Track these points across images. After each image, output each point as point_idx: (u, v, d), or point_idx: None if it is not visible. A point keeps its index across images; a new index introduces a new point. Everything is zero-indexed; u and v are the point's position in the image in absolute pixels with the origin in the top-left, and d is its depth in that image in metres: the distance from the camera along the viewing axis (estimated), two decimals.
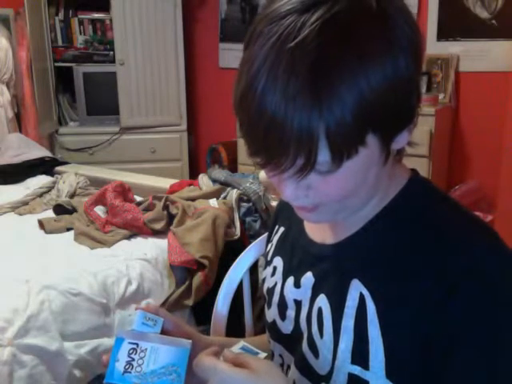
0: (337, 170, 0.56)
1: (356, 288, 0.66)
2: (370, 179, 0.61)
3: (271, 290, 0.82)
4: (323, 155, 0.54)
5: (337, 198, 0.61)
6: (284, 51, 0.53)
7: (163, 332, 0.67)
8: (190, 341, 0.65)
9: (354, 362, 0.64)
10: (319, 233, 0.75)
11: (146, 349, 0.63)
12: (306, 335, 0.72)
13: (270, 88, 0.53)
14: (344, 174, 0.57)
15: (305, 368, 0.72)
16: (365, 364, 0.63)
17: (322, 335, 0.69)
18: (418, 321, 0.60)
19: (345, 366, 0.65)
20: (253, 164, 0.60)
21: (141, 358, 0.63)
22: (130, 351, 0.63)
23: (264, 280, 0.86)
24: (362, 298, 0.65)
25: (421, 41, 0.59)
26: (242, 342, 0.69)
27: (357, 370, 0.64)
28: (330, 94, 0.52)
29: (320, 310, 0.70)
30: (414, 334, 0.60)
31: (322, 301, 0.70)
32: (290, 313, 0.77)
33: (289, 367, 0.77)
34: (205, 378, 0.60)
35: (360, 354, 0.64)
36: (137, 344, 0.64)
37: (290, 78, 0.52)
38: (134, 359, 0.63)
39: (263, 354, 0.66)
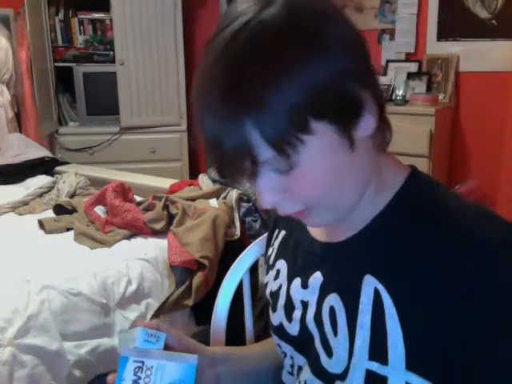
0: (297, 166, 0.57)
1: (369, 284, 0.65)
2: (343, 169, 0.60)
3: (276, 293, 0.81)
4: (266, 154, 0.56)
5: (316, 194, 0.60)
6: (208, 73, 0.57)
7: (166, 347, 0.66)
8: (196, 355, 0.64)
9: (371, 357, 0.63)
10: (323, 232, 0.74)
11: (151, 366, 0.62)
12: (318, 335, 0.71)
13: (205, 113, 0.58)
14: (308, 168, 0.57)
15: (317, 368, 0.71)
16: (383, 359, 0.62)
17: (335, 334, 0.68)
18: (438, 312, 0.58)
19: (362, 362, 0.64)
20: None
21: (147, 376, 0.62)
22: (136, 370, 0.62)
23: (266, 284, 0.85)
24: (376, 292, 0.64)
25: (353, 33, 0.59)
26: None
27: (374, 366, 0.63)
28: (256, 103, 0.54)
29: (332, 309, 0.69)
30: (435, 323, 0.58)
31: (334, 299, 0.69)
32: (297, 314, 0.76)
33: (299, 368, 0.76)
34: None
35: (378, 349, 0.62)
36: (142, 362, 0.62)
37: (216, 99, 0.55)
38: (140, 377, 0.61)
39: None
